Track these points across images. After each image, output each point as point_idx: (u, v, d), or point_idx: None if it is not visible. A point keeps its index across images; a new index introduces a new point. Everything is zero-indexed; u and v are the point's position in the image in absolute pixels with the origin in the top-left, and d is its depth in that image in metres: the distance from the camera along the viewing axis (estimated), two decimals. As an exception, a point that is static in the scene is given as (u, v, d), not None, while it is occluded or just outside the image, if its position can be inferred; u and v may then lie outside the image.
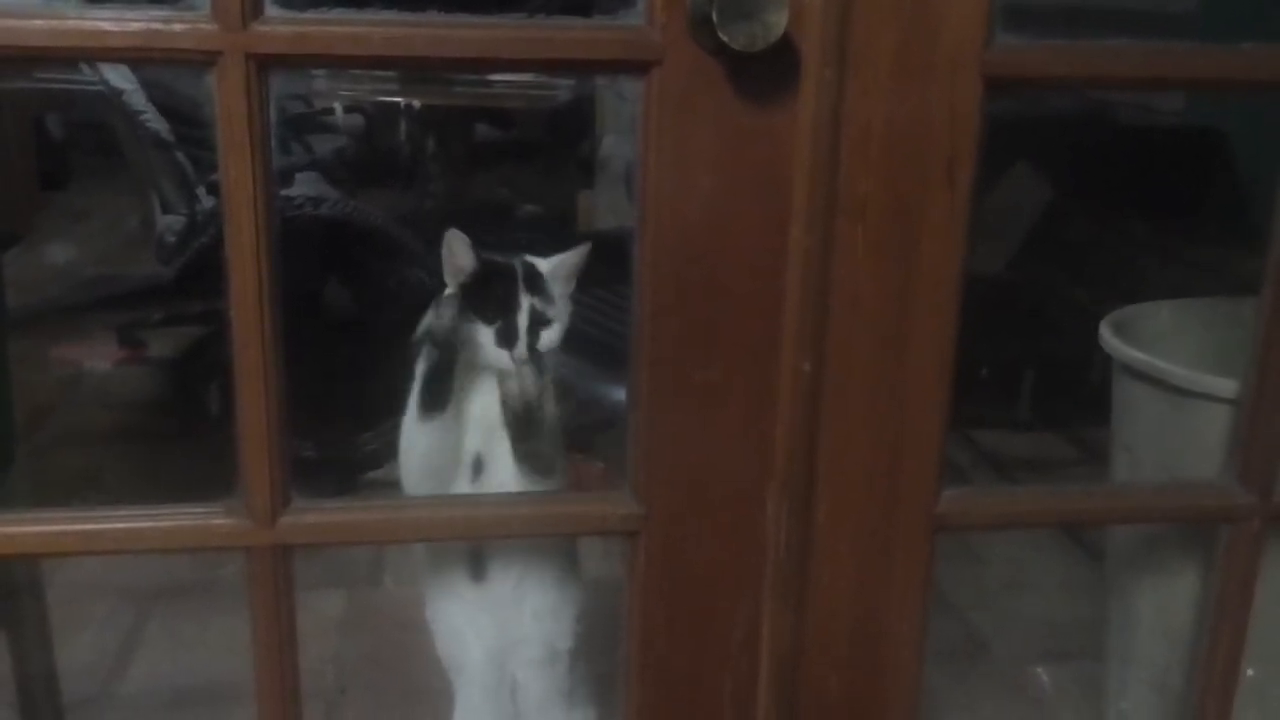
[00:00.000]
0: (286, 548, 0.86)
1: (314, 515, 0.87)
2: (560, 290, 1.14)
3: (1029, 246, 3.34)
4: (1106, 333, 1.59)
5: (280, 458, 0.83)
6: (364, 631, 2.07)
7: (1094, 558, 2.22)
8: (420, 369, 1.12)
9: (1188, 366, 1.46)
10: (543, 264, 1.15)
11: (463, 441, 1.15)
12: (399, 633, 2.03)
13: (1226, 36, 0.84)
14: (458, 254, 1.11)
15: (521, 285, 1.12)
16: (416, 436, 1.14)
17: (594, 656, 1.23)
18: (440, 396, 1.10)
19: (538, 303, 1.11)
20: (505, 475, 1.15)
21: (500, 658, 1.19)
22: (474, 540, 1.16)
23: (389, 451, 2.62)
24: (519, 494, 1.14)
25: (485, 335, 1.10)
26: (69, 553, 0.89)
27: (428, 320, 1.12)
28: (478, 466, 1.15)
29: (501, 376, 1.11)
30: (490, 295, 1.10)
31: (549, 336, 1.12)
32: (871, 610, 0.91)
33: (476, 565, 1.18)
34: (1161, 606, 1.53)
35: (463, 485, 1.16)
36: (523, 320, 1.10)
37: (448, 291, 1.11)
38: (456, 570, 1.18)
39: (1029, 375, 3.03)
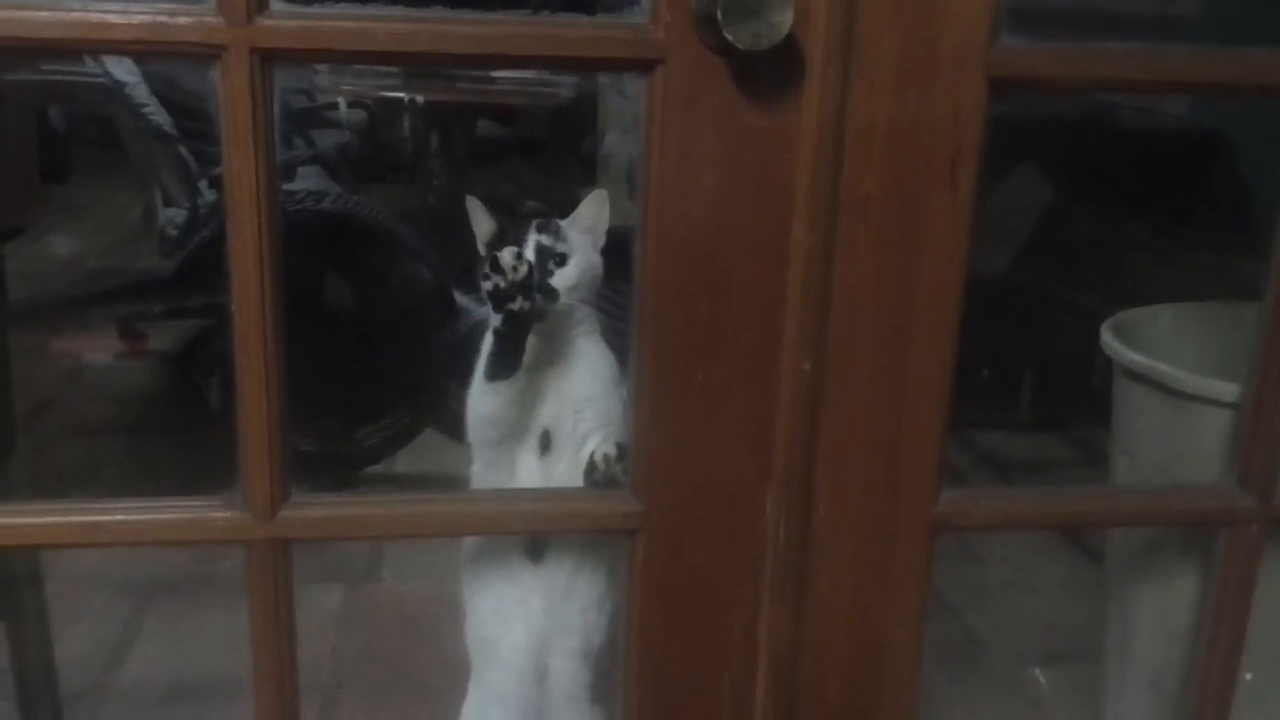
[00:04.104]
0: (285, 541, 0.86)
1: (313, 509, 0.87)
2: (580, 238, 1.16)
3: (1031, 248, 3.34)
4: (1108, 336, 1.59)
5: (280, 452, 0.83)
6: (362, 626, 2.07)
7: (1093, 560, 2.21)
8: (491, 330, 1.13)
9: (1188, 370, 1.46)
10: (560, 219, 1.18)
11: (534, 413, 1.16)
12: (397, 628, 2.04)
13: (1227, 40, 0.84)
14: (477, 217, 1.16)
15: (533, 228, 1.15)
16: (481, 399, 1.15)
17: (617, 654, 1.23)
18: (505, 361, 1.12)
19: (545, 239, 1.14)
20: (572, 459, 1.15)
21: (542, 644, 1.19)
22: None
23: (388, 447, 2.65)
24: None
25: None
26: (68, 544, 0.89)
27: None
28: (545, 443, 1.16)
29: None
30: (506, 242, 1.13)
31: (564, 274, 1.14)
32: (870, 610, 0.92)
33: (536, 547, 1.18)
34: (1160, 609, 1.53)
35: (529, 458, 1.17)
36: (529, 250, 1.12)
37: (481, 255, 1.14)
38: (514, 550, 1.18)
39: (1029, 377, 3.03)
